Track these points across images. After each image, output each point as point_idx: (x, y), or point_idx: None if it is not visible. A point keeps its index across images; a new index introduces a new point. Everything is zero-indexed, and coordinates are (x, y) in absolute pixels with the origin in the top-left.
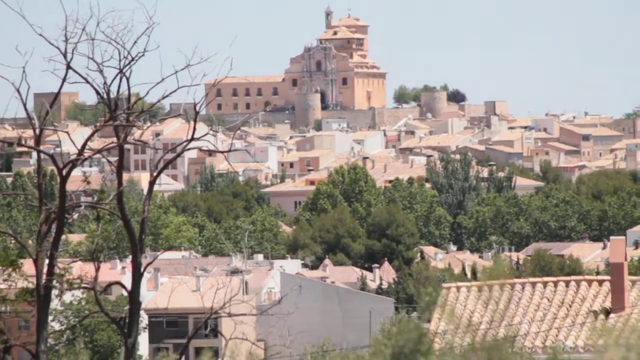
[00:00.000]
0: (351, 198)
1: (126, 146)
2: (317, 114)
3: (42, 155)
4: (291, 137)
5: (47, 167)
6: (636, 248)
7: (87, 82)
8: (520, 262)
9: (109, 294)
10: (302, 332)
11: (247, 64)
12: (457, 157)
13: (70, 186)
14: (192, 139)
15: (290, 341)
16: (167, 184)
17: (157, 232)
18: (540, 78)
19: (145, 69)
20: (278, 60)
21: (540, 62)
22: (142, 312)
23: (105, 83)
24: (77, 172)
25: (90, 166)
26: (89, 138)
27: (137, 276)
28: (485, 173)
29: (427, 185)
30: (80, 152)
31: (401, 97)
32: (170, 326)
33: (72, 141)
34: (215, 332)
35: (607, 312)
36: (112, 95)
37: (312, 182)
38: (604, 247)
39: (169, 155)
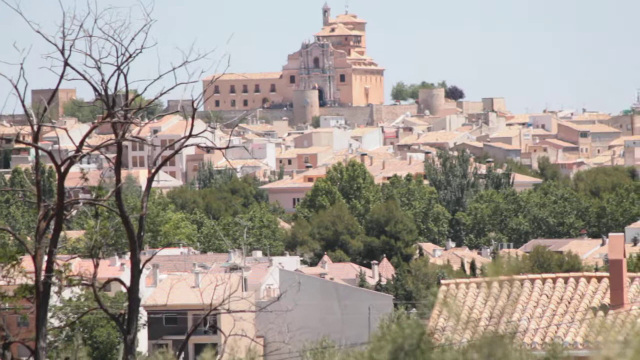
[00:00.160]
0: (349, 195)
1: (124, 143)
2: (314, 110)
3: (40, 152)
4: (289, 134)
5: (45, 164)
6: (635, 245)
7: (85, 79)
8: (520, 258)
9: (108, 291)
10: (301, 329)
11: (245, 60)
12: (455, 153)
13: (68, 183)
14: (190, 135)
15: (289, 337)
16: (166, 181)
17: (155, 228)
18: (538, 75)
19: (142, 66)
20: (276, 57)
21: (538, 59)
22: (141, 309)
23: (103, 80)
24: (75, 169)
25: (89, 163)
26: (87, 135)
27: (136, 273)
28: (483, 170)
29: (426, 182)
30: (79, 148)
31: (399, 94)
32: (170, 323)
33: (70, 138)
34: (215, 329)
35: (605, 309)
36: (110, 92)
37: (310, 179)
38: (603, 244)
39: (167, 152)
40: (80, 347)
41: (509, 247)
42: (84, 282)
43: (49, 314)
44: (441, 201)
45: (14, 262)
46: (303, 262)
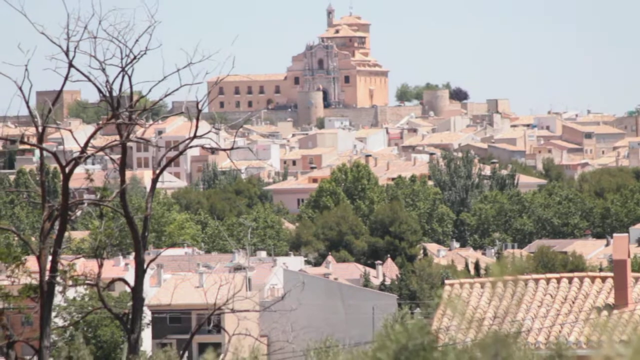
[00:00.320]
0: (354, 196)
1: (129, 144)
2: (319, 112)
3: (45, 153)
4: (293, 135)
5: (49, 165)
6: (639, 245)
7: (90, 80)
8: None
9: (112, 290)
10: (305, 328)
11: (249, 62)
12: (460, 155)
13: (73, 184)
14: (195, 136)
15: (293, 337)
16: (170, 182)
17: (160, 229)
18: (542, 76)
19: (147, 67)
20: (280, 58)
21: (542, 60)
22: (145, 308)
23: (107, 81)
24: (80, 170)
25: (93, 164)
26: (92, 136)
27: (140, 273)
28: (487, 171)
29: (430, 182)
30: (83, 149)
31: (403, 95)
32: (174, 322)
33: (74, 139)
34: (219, 328)
35: (610, 308)
36: (115, 93)
37: (314, 180)
38: (607, 244)
39: (172, 153)
40: (81, 346)
41: (513, 247)
42: (88, 281)
43: (53, 314)
44: (445, 202)
45: (19, 262)
46: (307, 262)
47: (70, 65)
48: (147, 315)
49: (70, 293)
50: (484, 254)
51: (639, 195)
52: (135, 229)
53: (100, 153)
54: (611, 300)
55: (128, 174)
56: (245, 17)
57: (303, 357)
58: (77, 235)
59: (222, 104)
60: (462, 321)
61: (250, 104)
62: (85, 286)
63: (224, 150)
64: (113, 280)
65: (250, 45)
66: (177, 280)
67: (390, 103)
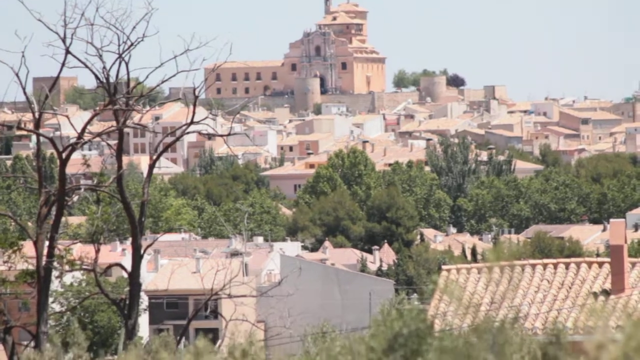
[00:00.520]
0: (351, 182)
1: (126, 130)
2: (316, 98)
3: (42, 139)
4: (290, 121)
5: (46, 150)
6: (636, 230)
7: (87, 66)
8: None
9: (109, 276)
10: (302, 314)
11: (247, 48)
12: (457, 140)
13: (70, 169)
14: (192, 122)
15: (290, 322)
16: (167, 167)
17: (157, 214)
18: (539, 62)
19: (144, 54)
20: (277, 45)
21: (539, 47)
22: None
23: (104, 68)
24: (77, 155)
25: (90, 149)
26: (89, 122)
27: (137, 258)
28: (484, 157)
29: (427, 168)
30: (80, 135)
31: (400, 82)
32: (171, 307)
33: (71, 125)
34: (216, 314)
35: (606, 294)
36: (112, 79)
37: (311, 166)
38: (604, 230)
39: (169, 139)
40: (76, 331)
41: (510, 232)
42: (85, 267)
43: (50, 299)
44: (442, 187)
45: (16, 248)
46: (304, 247)
47: (67, 51)
48: (144, 301)
49: (67, 278)
50: (480, 239)
51: (636, 181)
52: (132, 214)
53: (97, 139)
54: (608, 286)
55: (125, 159)
56: (242, 3)
57: (300, 342)
58: (74, 220)
59: (219, 90)
60: (458, 307)
61: (247, 90)
62: (82, 271)
63: (221, 136)
64: (110, 266)
65: (247, 32)
66: (174, 265)
67: (388, 89)
